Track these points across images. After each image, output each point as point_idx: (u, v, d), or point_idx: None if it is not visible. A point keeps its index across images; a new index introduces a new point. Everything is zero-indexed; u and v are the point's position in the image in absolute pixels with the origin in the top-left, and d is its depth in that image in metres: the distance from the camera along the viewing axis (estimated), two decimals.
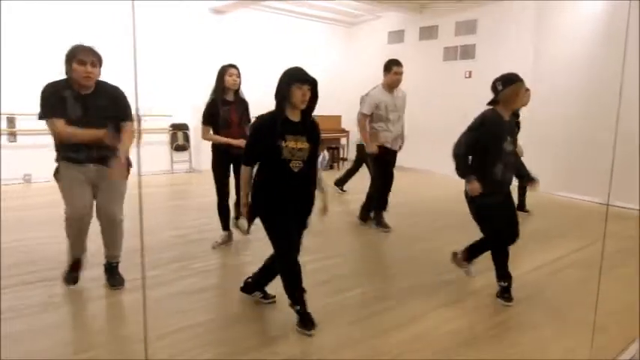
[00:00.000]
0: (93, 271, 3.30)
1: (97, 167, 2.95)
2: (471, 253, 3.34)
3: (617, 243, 4.48)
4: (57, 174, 3.00)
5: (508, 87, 2.93)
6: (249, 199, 2.69)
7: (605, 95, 5.96)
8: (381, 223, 4.85)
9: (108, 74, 3.03)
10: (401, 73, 4.58)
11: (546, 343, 2.65)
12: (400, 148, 4.84)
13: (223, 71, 3.85)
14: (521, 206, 5.56)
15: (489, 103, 3.04)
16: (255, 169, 2.69)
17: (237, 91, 3.94)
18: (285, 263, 2.64)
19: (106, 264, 3.25)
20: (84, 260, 3.19)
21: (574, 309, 3.06)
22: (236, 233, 3.87)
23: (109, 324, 2.84)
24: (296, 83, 2.52)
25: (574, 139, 6.61)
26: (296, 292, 2.63)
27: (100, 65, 2.89)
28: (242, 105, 3.98)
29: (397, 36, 9.92)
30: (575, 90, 6.70)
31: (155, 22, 7.65)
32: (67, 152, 2.92)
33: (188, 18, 7.96)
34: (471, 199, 3.08)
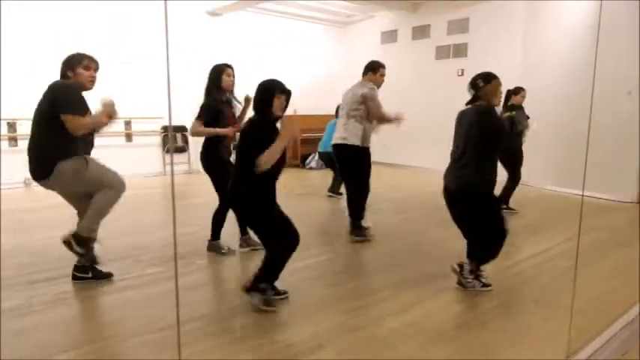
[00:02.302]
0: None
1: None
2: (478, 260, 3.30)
3: (601, 234, 4.65)
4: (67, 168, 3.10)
5: (489, 83, 3.06)
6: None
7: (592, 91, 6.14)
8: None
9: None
10: (385, 75, 4.57)
11: (531, 327, 2.80)
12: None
13: (220, 71, 3.80)
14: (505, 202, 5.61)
15: (469, 102, 3.16)
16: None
17: (231, 92, 3.94)
18: (290, 250, 2.90)
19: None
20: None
21: (559, 296, 3.20)
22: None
23: (117, 317, 2.97)
24: (277, 94, 2.80)
25: (562, 134, 6.78)
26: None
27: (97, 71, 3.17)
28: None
29: (390, 36, 10.07)
30: (564, 87, 6.87)
31: (150, 25, 7.79)
32: (79, 145, 3.12)
33: (184, 20, 8.08)
34: (484, 195, 3.10)
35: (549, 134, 7.00)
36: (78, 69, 3.03)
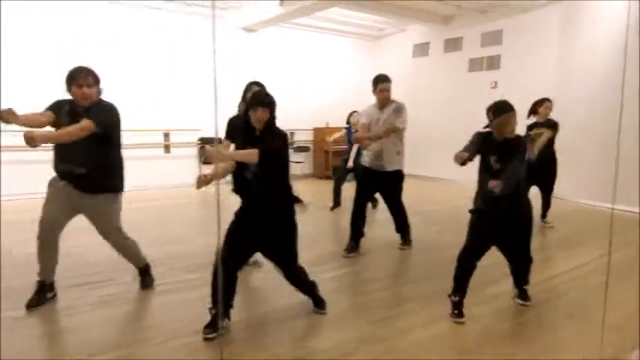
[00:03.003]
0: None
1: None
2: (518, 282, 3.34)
3: (636, 249, 4.52)
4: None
5: (498, 117, 3.02)
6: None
7: (630, 103, 6.00)
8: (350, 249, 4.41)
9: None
10: (387, 90, 4.33)
11: (563, 341, 2.78)
12: (390, 169, 4.35)
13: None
14: (542, 216, 5.58)
15: (485, 127, 3.15)
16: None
17: None
18: (223, 267, 2.68)
19: (141, 268, 3.59)
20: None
21: (593, 311, 3.15)
22: None
23: (154, 320, 3.10)
24: (253, 107, 2.74)
25: (599, 147, 6.62)
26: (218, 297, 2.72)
27: (98, 83, 3.12)
28: None
29: (422, 49, 10.10)
30: (600, 98, 6.72)
31: (187, 40, 8.10)
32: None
33: (220, 36, 8.34)
34: (471, 211, 3.17)
35: (585, 147, 6.86)
36: (72, 87, 3.03)
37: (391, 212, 4.62)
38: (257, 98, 2.78)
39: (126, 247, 3.44)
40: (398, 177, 4.44)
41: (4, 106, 2.67)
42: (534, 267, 3.32)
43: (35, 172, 3.15)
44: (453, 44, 9.50)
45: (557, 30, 7.64)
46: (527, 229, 3.18)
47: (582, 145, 6.89)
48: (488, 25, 8.80)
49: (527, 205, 3.15)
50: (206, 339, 2.70)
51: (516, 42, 8.40)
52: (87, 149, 2.98)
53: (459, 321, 3.05)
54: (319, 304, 3.14)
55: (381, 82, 4.33)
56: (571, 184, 6.87)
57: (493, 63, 8.83)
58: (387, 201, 4.60)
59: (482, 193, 3.07)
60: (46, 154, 3.34)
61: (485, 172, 3.05)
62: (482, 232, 3.11)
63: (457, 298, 3.12)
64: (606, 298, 2.68)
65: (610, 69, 6.49)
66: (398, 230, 4.68)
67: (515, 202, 3.03)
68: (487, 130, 3.09)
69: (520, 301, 3.30)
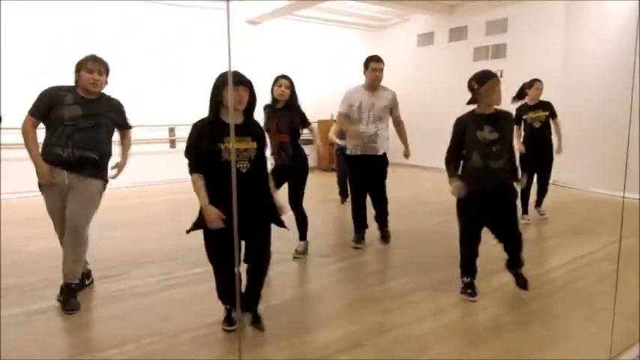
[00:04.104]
0: (149, 269, 3.64)
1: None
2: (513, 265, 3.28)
3: None
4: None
5: (483, 85, 3.02)
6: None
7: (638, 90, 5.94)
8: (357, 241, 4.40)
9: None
10: (380, 70, 4.16)
11: (572, 329, 2.78)
12: (381, 152, 4.29)
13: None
14: (537, 204, 5.41)
15: (468, 103, 3.12)
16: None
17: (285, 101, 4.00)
18: (215, 273, 2.70)
19: (62, 285, 3.07)
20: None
21: (603, 299, 3.14)
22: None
23: (165, 314, 3.13)
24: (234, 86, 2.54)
25: (607, 134, 6.57)
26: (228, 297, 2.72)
27: (107, 74, 3.12)
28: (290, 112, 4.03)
29: (426, 38, 10.04)
30: (607, 86, 6.66)
31: (191, 33, 8.08)
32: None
33: (223, 29, 8.33)
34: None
35: (595, 135, 6.82)
36: (81, 72, 3.02)
37: (374, 199, 4.44)
38: (236, 74, 2.58)
39: (82, 245, 3.10)
40: (385, 161, 4.39)
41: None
42: (543, 255, 3.32)
43: None
44: (457, 33, 9.43)
45: (564, 17, 7.56)
46: (514, 203, 3.19)
47: (591, 133, 6.84)
48: (493, 14, 8.73)
49: (512, 177, 3.16)
50: (226, 330, 2.72)
51: (522, 30, 8.33)
52: (100, 139, 3.11)
53: (471, 299, 3.12)
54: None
55: (374, 61, 4.18)
56: (581, 173, 6.84)
57: (498, 52, 8.76)
58: (373, 186, 4.41)
59: (476, 170, 3.03)
60: None
61: (476, 148, 3.03)
62: (474, 210, 3.09)
63: (469, 279, 3.20)
64: (617, 286, 2.68)
65: (619, 55, 6.43)
66: (378, 218, 4.50)
67: (506, 173, 3.08)
68: (469, 110, 3.10)
69: (520, 288, 3.21)
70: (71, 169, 3.02)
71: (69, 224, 3.01)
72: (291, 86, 3.97)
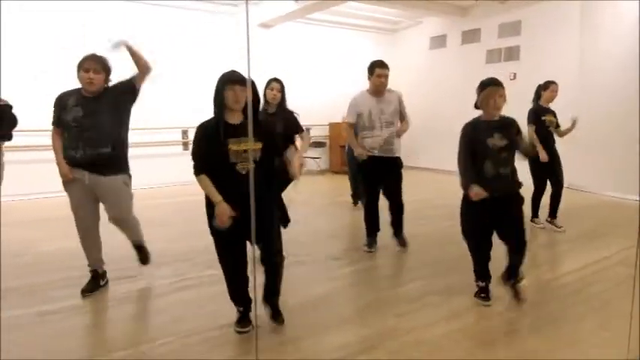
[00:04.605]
0: (162, 270, 3.66)
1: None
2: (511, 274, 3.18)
3: None
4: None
5: (481, 92, 3.02)
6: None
7: None
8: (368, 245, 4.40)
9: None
10: (385, 76, 4.13)
11: (587, 333, 2.75)
12: (397, 154, 4.28)
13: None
14: (552, 214, 5.15)
15: (475, 107, 3.13)
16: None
17: (280, 104, 4.03)
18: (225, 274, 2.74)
19: (136, 248, 3.63)
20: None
21: (619, 303, 3.10)
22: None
23: (177, 315, 3.15)
24: (229, 85, 2.51)
25: (623, 137, 6.49)
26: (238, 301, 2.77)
27: (106, 72, 3.14)
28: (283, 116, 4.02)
29: (439, 41, 10.00)
30: (623, 88, 6.58)
31: (201, 36, 8.14)
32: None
33: (235, 33, 8.39)
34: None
35: (610, 138, 6.73)
36: (80, 72, 3.06)
37: (391, 204, 4.38)
38: (234, 74, 2.56)
39: (134, 225, 3.49)
40: (400, 163, 4.35)
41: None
42: (557, 260, 3.28)
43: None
44: (470, 36, 9.39)
45: (578, 18, 7.48)
46: (521, 209, 3.12)
47: (607, 135, 6.75)
48: (507, 16, 8.67)
49: (518, 183, 3.11)
50: (239, 332, 2.73)
51: (535, 32, 8.26)
52: (108, 133, 3.14)
53: (485, 304, 3.10)
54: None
55: (378, 66, 4.14)
56: (596, 176, 6.75)
57: (512, 54, 8.70)
58: (389, 189, 4.36)
59: (488, 177, 3.00)
60: None
61: (488, 156, 3.01)
62: (484, 217, 3.05)
63: (483, 283, 3.18)
64: (634, 291, 2.64)
65: (635, 55, 6.34)
66: (394, 223, 4.44)
67: (513, 179, 3.06)
68: (475, 117, 3.10)
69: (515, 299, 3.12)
70: (88, 169, 3.11)
71: (114, 222, 3.34)
72: (282, 90, 3.98)
